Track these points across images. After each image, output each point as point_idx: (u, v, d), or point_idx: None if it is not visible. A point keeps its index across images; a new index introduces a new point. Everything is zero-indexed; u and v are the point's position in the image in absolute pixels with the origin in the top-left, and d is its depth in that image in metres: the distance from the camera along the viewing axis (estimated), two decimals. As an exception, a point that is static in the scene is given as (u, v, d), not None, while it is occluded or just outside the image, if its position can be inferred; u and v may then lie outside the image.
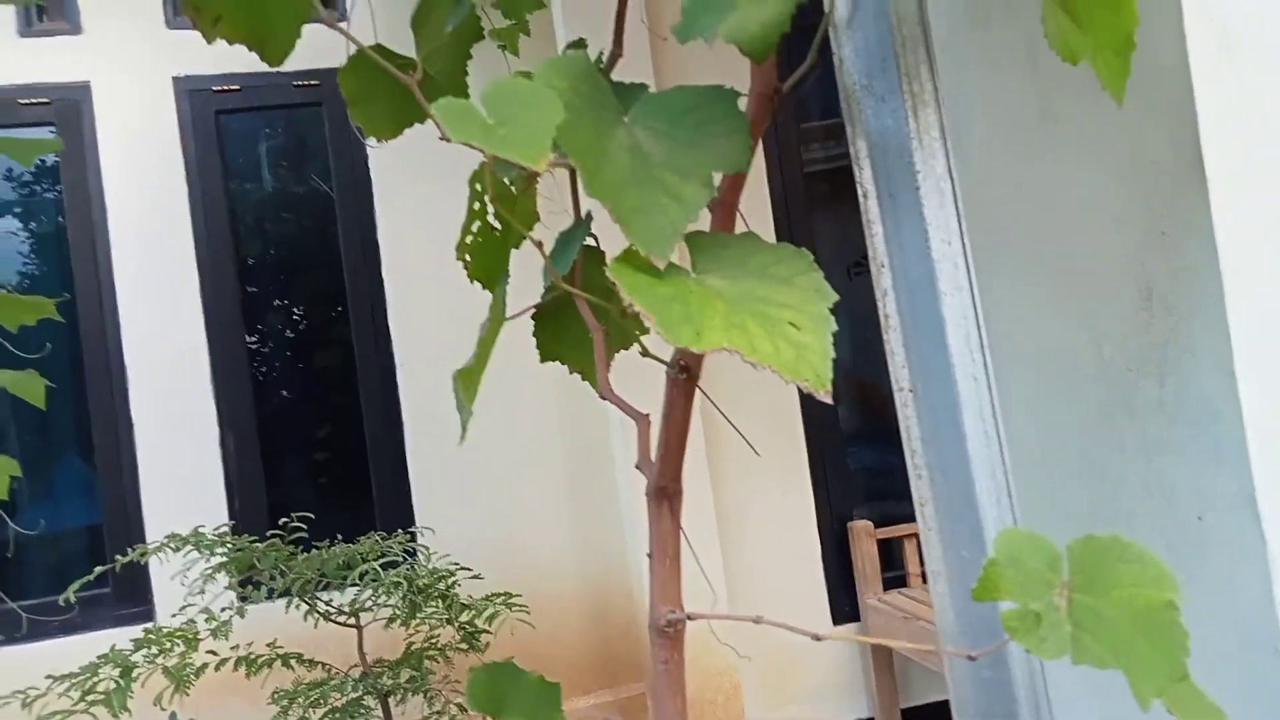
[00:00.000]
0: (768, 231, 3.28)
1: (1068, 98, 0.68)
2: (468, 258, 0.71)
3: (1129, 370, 0.67)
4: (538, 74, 0.55)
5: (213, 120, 3.18)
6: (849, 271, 3.27)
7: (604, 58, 0.73)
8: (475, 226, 0.70)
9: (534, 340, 0.78)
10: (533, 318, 0.77)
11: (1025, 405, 0.79)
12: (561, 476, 3.29)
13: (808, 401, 3.19)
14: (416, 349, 3.22)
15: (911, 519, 0.91)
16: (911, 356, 0.85)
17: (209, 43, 0.67)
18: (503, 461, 3.21)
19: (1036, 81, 0.70)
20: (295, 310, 3.36)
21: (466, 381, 0.65)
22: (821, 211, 3.42)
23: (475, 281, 0.73)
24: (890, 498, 3.28)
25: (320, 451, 3.37)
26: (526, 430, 3.23)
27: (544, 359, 0.80)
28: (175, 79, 3.14)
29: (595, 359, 0.69)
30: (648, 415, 0.67)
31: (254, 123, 3.35)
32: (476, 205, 0.70)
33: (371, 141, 3.03)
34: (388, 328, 3.23)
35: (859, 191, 0.87)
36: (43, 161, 3.08)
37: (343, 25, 0.65)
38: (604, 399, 0.69)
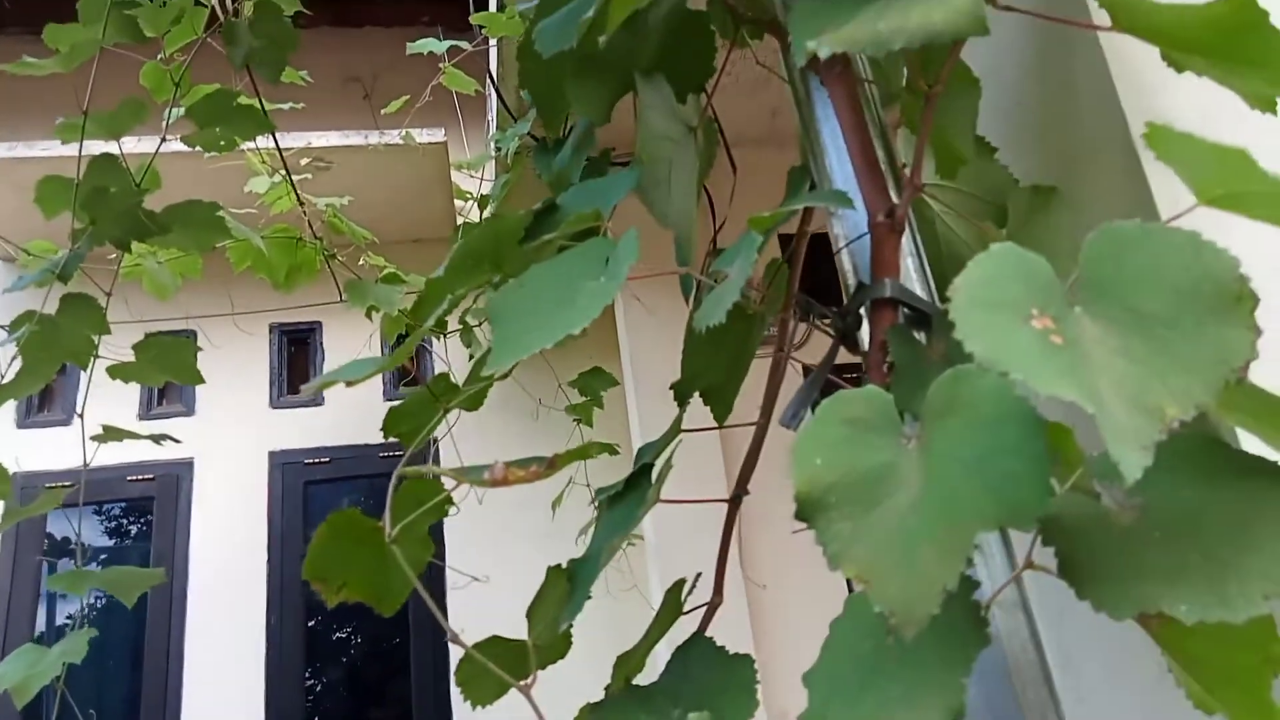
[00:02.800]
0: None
1: None
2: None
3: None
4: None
5: (301, 490, 3.35)
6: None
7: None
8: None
9: None
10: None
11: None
12: None
13: None
14: (478, 713, 3.05)
15: None
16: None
17: (330, 606, 0.72)
18: None
19: None
20: (359, 678, 3.26)
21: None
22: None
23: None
24: None
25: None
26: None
27: None
28: (271, 453, 3.37)
29: None
30: None
31: (339, 490, 3.50)
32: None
33: (450, 509, 3.09)
34: (448, 690, 3.10)
35: None
36: (136, 517, 3.24)
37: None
38: None
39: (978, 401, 0.38)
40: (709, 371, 0.72)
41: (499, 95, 2.81)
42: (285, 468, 3.35)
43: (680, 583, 0.72)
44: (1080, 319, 0.35)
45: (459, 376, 3.52)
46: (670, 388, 0.74)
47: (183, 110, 1.71)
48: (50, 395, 3.45)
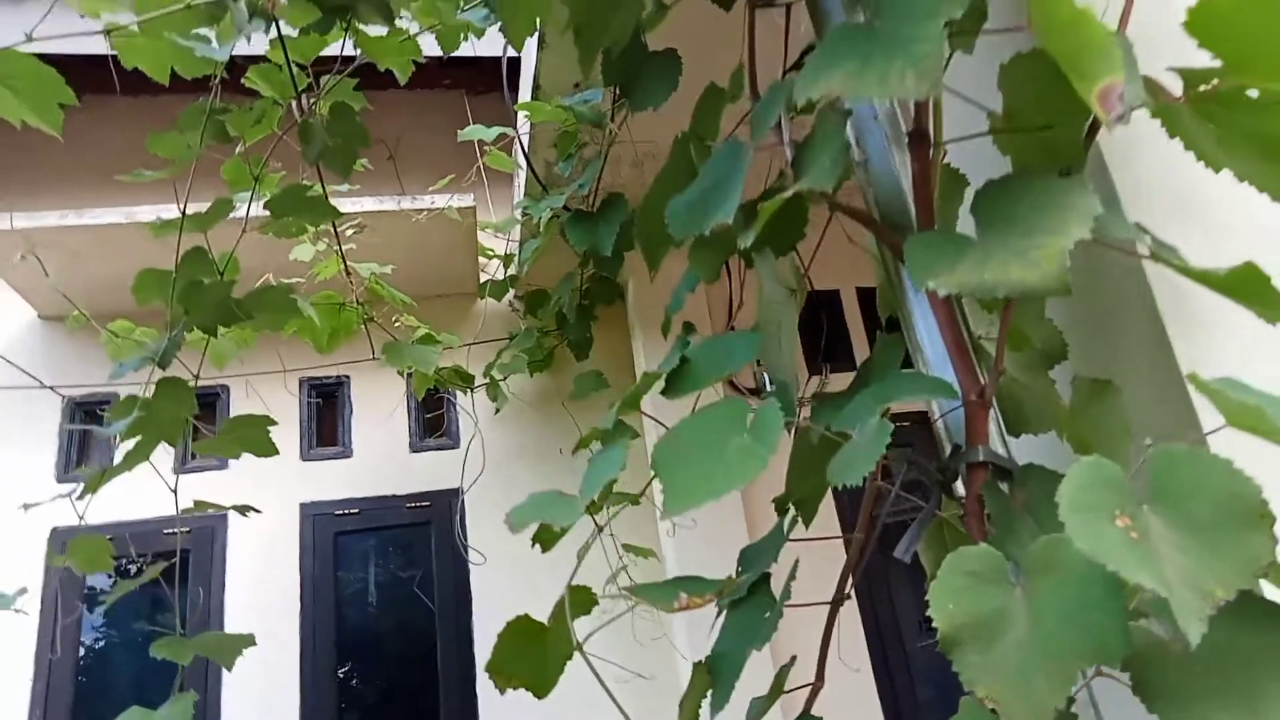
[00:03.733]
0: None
1: None
2: None
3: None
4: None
5: (331, 541, 3.46)
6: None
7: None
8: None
9: None
10: None
11: None
12: None
13: None
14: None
15: None
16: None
17: (501, 693, 0.85)
18: None
19: None
20: (386, 726, 3.35)
21: None
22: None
23: None
24: None
25: None
26: None
27: None
28: (303, 504, 3.48)
29: None
30: None
31: (367, 540, 3.61)
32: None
33: (474, 557, 3.22)
34: (474, 739, 3.19)
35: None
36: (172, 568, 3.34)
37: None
38: None
39: (1070, 564, 0.53)
40: (806, 486, 0.86)
41: (529, 166, 2.97)
42: (316, 519, 3.46)
43: (786, 667, 0.85)
44: (1149, 517, 0.49)
45: (484, 429, 3.64)
46: (772, 501, 0.88)
47: (261, 204, 1.86)
48: (87, 449, 3.56)
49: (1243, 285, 0.56)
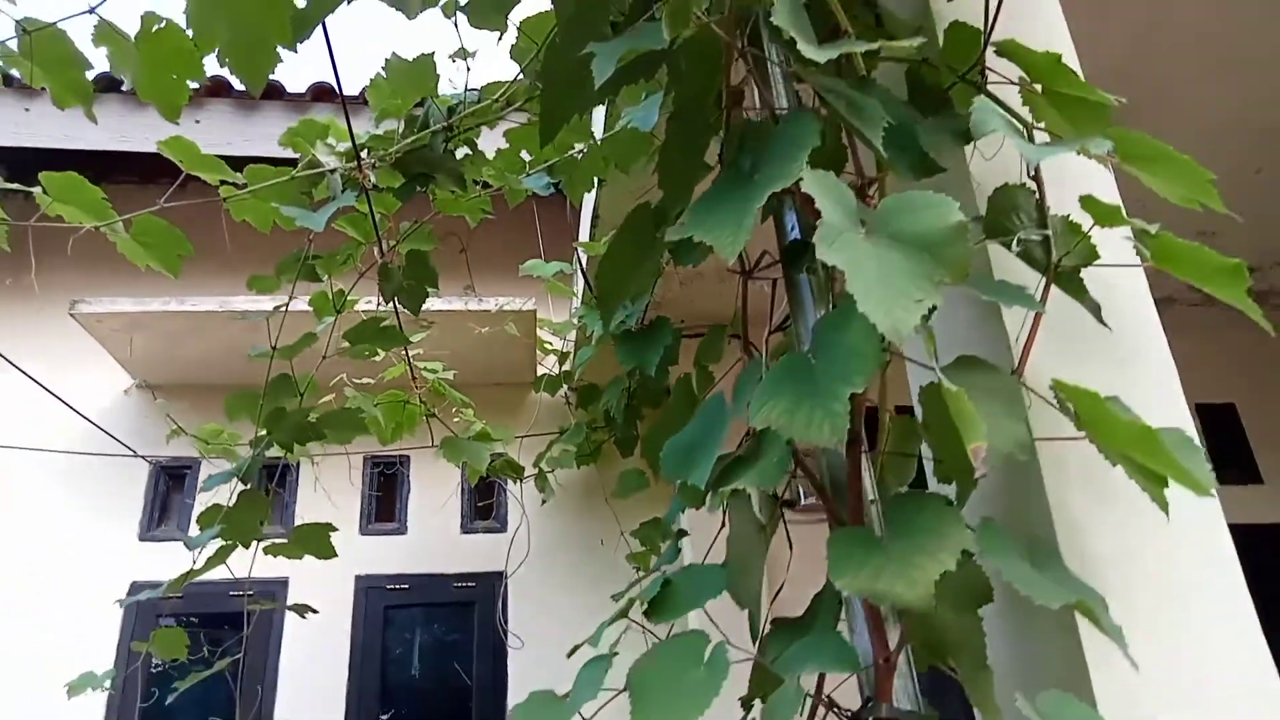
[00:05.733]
0: None
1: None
2: None
3: None
4: None
5: (382, 613, 3.67)
6: None
7: None
8: None
9: None
10: None
11: None
12: None
13: None
14: None
15: None
16: None
17: None
18: None
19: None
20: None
21: None
22: None
23: None
24: None
25: None
26: None
27: None
28: (358, 576, 3.71)
29: None
30: None
31: (415, 614, 3.82)
32: None
33: (513, 641, 3.38)
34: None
35: None
36: (232, 630, 3.58)
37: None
38: None
39: None
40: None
41: (586, 280, 3.20)
42: (369, 591, 3.69)
43: None
44: None
45: (531, 516, 3.83)
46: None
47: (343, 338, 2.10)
48: (167, 512, 3.86)
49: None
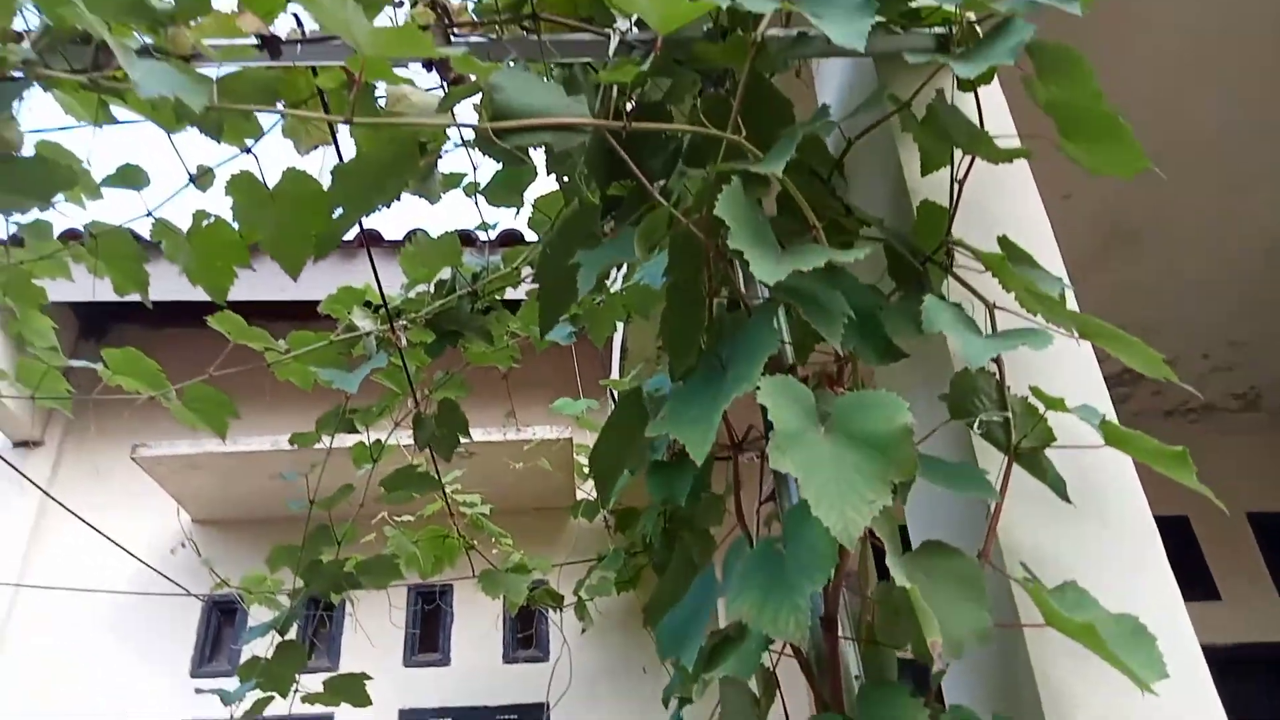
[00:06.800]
0: None
1: None
2: None
3: None
4: None
5: (425, 747, 3.65)
6: None
7: None
8: None
9: None
10: None
11: None
12: None
13: None
14: None
15: None
16: None
17: None
18: None
19: None
20: None
21: None
22: None
23: None
24: None
25: None
26: None
27: None
28: (402, 711, 3.71)
29: None
30: None
31: (458, 752, 3.78)
32: None
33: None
34: None
35: None
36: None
37: None
38: None
39: None
40: None
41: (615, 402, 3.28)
42: (412, 726, 3.68)
43: None
44: None
45: (572, 644, 3.83)
46: None
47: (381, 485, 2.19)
48: (220, 644, 3.94)
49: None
